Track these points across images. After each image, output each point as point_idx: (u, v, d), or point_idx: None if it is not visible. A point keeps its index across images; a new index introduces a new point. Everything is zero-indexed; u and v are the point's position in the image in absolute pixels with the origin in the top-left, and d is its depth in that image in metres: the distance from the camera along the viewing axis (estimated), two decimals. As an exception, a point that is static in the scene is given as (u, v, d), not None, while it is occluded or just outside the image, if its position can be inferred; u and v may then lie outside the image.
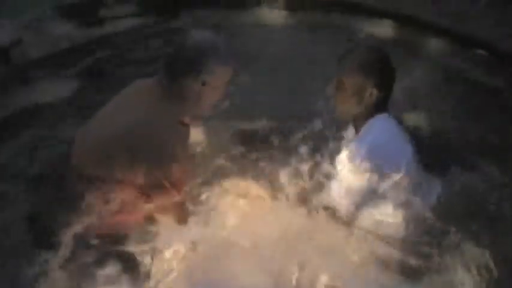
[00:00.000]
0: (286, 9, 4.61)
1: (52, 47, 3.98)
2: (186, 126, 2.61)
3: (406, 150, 2.50)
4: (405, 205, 2.45)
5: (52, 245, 2.34)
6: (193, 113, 2.59)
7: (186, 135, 2.63)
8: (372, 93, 2.53)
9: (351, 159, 2.46)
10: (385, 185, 2.43)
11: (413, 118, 3.24)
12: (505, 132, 3.26)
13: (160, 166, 2.39)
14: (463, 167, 2.85)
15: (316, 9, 4.55)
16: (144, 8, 4.50)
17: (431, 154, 2.74)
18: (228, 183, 2.68)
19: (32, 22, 4.13)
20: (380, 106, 2.57)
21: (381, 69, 2.54)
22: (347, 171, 2.47)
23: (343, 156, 2.56)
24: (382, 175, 2.42)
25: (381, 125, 2.54)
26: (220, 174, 2.69)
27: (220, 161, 2.73)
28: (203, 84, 2.45)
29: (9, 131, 3.22)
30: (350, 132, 2.71)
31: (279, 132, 3.03)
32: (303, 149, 2.74)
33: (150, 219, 2.47)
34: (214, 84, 2.47)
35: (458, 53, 4.00)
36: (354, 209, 2.47)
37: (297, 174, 2.64)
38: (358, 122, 2.59)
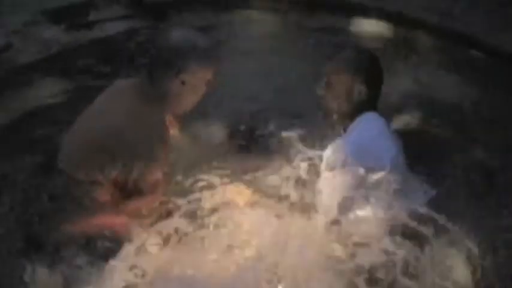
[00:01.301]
0: (274, 10, 4.62)
1: (42, 51, 3.98)
2: (167, 126, 2.63)
3: (390, 148, 2.52)
4: (388, 204, 2.45)
5: (40, 246, 2.36)
6: (174, 112, 2.62)
7: (166, 135, 2.64)
8: (360, 91, 2.57)
9: (336, 155, 2.51)
10: (368, 183, 2.45)
11: (403, 118, 3.25)
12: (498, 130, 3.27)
13: (139, 167, 2.42)
14: (450, 168, 2.85)
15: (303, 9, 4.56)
16: (133, 10, 4.49)
17: (418, 154, 2.75)
18: (217, 185, 2.67)
19: (21, 26, 4.12)
20: (368, 105, 2.61)
21: (368, 68, 2.60)
22: (330, 168, 2.51)
23: (328, 153, 2.59)
24: (365, 172, 2.44)
25: (367, 123, 2.58)
26: (208, 174, 2.68)
27: (208, 161, 2.74)
28: (183, 83, 2.46)
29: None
30: (338, 130, 2.73)
31: (268, 131, 3.05)
32: (293, 148, 2.76)
33: (134, 219, 2.45)
34: (194, 84, 2.48)
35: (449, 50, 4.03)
36: (338, 207, 2.47)
37: (286, 173, 2.66)
38: (346, 121, 2.63)
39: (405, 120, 3.22)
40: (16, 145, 3.13)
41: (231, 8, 4.59)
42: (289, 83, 3.66)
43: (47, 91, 3.61)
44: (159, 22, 4.39)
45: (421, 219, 2.39)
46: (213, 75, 2.53)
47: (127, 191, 2.46)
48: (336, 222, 2.45)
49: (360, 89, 2.58)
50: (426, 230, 2.35)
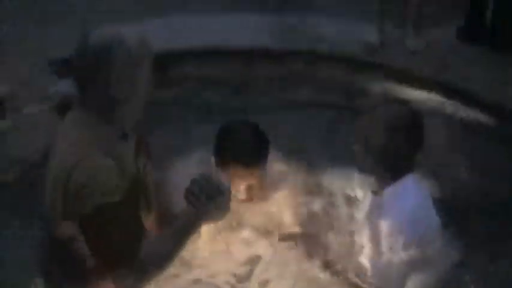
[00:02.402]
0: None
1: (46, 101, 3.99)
2: (123, 143, 2.11)
3: (434, 221, 2.38)
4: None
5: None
6: (121, 124, 2.08)
7: (127, 156, 2.11)
8: (399, 150, 2.35)
9: (396, 237, 2.30)
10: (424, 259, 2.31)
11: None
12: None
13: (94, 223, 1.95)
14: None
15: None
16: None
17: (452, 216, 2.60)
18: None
19: (26, 76, 4.16)
20: (406, 166, 2.40)
21: (409, 124, 2.36)
22: (389, 248, 2.32)
23: (365, 207, 2.47)
24: (422, 251, 2.29)
25: (412, 189, 2.37)
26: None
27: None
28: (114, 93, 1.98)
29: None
30: (374, 190, 2.50)
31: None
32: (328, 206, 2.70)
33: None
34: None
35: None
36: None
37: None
38: (382, 182, 2.42)
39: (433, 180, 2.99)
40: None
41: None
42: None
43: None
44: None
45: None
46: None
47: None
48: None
49: (399, 147, 2.35)
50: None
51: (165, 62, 4.24)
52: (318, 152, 3.49)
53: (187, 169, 2.49)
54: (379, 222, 2.37)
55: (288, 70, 4.50)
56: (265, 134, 2.57)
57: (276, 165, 2.71)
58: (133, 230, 2.03)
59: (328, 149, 3.57)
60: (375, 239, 2.39)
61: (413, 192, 2.37)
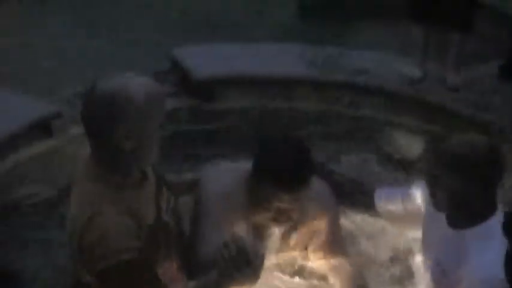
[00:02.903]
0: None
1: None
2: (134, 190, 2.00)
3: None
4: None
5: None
6: (133, 172, 2.01)
7: (144, 203, 2.01)
8: (473, 191, 2.07)
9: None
10: None
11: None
12: None
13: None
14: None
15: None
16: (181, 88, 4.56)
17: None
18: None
19: (71, 97, 4.27)
20: (487, 206, 2.13)
21: (484, 163, 2.05)
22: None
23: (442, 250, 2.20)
24: None
25: (492, 239, 2.04)
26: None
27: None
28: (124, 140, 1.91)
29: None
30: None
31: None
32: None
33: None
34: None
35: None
36: None
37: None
38: (462, 224, 2.15)
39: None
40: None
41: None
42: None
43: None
44: (207, 102, 4.46)
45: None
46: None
47: None
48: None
49: (475, 187, 2.06)
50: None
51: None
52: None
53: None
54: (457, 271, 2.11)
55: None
56: (310, 151, 2.22)
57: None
58: (151, 283, 1.95)
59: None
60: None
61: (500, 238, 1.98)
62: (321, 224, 2.33)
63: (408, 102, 4.43)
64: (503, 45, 4.80)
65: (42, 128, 3.88)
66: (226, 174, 2.33)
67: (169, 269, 2.08)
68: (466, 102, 4.35)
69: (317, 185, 2.24)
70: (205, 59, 4.67)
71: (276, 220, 2.20)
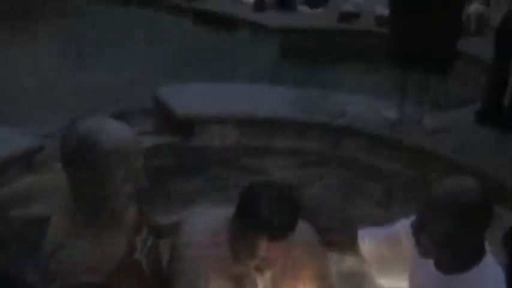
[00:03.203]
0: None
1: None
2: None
3: None
4: None
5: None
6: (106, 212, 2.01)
7: (116, 239, 2.01)
8: (465, 236, 1.99)
9: None
10: None
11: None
12: None
13: None
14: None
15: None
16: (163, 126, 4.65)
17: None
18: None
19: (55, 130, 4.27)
20: (476, 250, 2.05)
21: (473, 206, 1.96)
22: None
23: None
24: None
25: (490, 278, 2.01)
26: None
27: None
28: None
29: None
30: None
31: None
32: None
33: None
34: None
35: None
36: None
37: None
38: (450, 269, 2.07)
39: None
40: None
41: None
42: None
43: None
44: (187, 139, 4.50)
45: None
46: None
47: None
48: None
49: (465, 233, 1.98)
50: None
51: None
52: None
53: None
54: None
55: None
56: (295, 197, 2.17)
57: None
58: None
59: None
60: None
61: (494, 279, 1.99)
62: (308, 270, 2.22)
63: (387, 144, 4.48)
64: (481, 90, 4.91)
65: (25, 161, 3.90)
66: (207, 221, 2.23)
67: None
68: (444, 144, 4.40)
69: (301, 228, 2.15)
70: (187, 98, 4.74)
71: (259, 269, 2.12)
